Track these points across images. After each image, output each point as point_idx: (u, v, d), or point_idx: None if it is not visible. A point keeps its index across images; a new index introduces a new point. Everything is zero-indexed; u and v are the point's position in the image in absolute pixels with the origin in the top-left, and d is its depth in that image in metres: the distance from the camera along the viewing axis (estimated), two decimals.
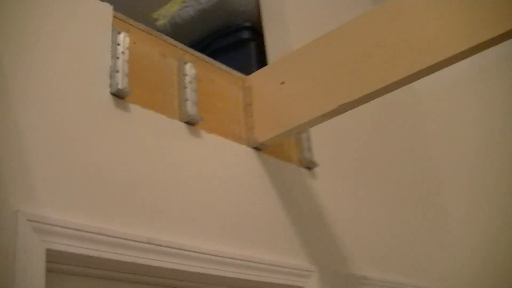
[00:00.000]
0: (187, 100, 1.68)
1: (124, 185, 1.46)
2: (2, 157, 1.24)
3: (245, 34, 2.18)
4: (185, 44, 1.90)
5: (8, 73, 1.32)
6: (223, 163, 1.73)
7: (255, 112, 1.85)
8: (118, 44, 1.58)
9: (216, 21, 2.19)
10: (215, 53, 2.14)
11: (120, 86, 1.51)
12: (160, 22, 2.25)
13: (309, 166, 1.99)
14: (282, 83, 1.81)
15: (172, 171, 1.59)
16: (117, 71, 1.53)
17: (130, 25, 1.65)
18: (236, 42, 2.18)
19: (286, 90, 1.80)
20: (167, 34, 2.11)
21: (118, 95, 1.53)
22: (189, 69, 1.73)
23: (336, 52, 1.71)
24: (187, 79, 1.71)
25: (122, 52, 1.57)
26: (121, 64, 1.55)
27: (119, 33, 1.59)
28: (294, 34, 2.08)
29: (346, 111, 1.69)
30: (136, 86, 1.58)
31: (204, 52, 2.01)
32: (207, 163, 1.69)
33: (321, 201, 1.96)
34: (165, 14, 2.24)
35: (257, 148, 1.84)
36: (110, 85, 1.51)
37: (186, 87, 1.70)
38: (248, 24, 2.19)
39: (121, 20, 1.63)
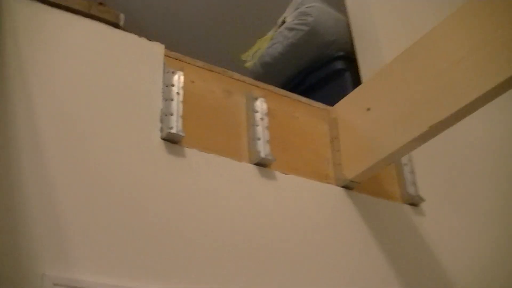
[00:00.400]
0: (258, 139, 1.51)
1: (182, 241, 1.29)
2: (31, 212, 1.15)
3: (339, 65, 1.99)
4: (277, 83, 1.76)
5: (43, 114, 1.24)
6: (306, 208, 1.52)
7: (343, 145, 1.64)
8: (173, 85, 1.45)
9: (307, 55, 2.02)
10: (309, 89, 1.97)
11: (174, 130, 1.37)
12: (249, 64, 2.12)
13: (414, 202, 1.72)
14: (368, 109, 1.59)
15: (243, 221, 1.40)
16: (171, 114, 1.40)
17: (187, 63, 1.53)
18: (330, 74, 2.00)
19: (372, 117, 1.57)
20: (257, 75, 2.00)
21: (171, 140, 1.38)
22: (260, 105, 1.57)
23: (420, 67, 1.47)
24: (258, 116, 1.55)
25: (177, 93, 1.45)
26: (175, 106, 1.42)
27: (173, 72, 1.47)
28: (389, 58, 1.85)
29: (438, 133, 1.43)
30: (194, 129, 1.43)
31: (298, 90, 1.85)
32: (287, 208, 1.48)
33: (431, 242, 1.68)
34: (253, 55, 2.11)
35: (347, 187, 1.61)
36: (161, 130, 1.37)
37: (257, 125, 1.53)
38: (340, 53, 2.00)
39: (175, 59, 1.51)
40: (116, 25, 1.44)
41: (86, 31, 1.40)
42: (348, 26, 2.05)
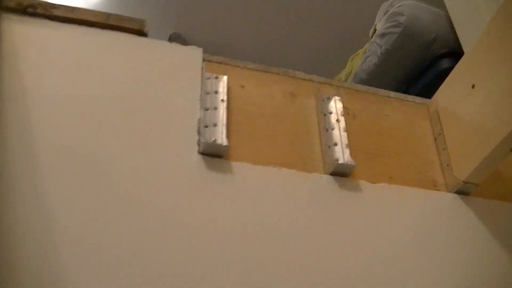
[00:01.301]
0: (335, 144, 1.20)
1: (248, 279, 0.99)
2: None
3: (445, 63, 1.66)
4: None
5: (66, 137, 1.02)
6: (407, 223, 1.15)
7: (450, 141, 1.27)
8: (216, 92, 1.20)
9: (407, 59, 1.71)
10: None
11: (218, 141, 1.11)
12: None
13: None
14: (473, 87, 1.23)
15: (322, 249, 1.07)
16: (214, 125, 1.14)
17: (235, 66, 1.27)
18: (437, 76, 1.66)
19: (478, 95, 1.21)
20: None
21: (211, 153, 1.10)
22: (334, 105, 1.26)
23: None
24: (333, 117, 1.24)
25: (222, 100, 1.19)
26: (218, 115, 1.16)
27: (216, 78, 1.22)
28: None
29: None
30: (248, 140, 1.15)
31: None
32: (381, 227, 1.12)
33: None
34: (347, 77, 1.82)
35: (462, 192, 1.24)
36: (199, 143, 1.11)
37: (332, 128, 1.22)
38: (444, 51, 1.67)
39: (218, 62, 1.25)
40: (140, 33, 1.23)
41: (104, 43, 1.19)
42: (448, 19, 1.72)
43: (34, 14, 1.18)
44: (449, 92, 1.31)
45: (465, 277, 1.13)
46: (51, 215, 0.94)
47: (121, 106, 1.11)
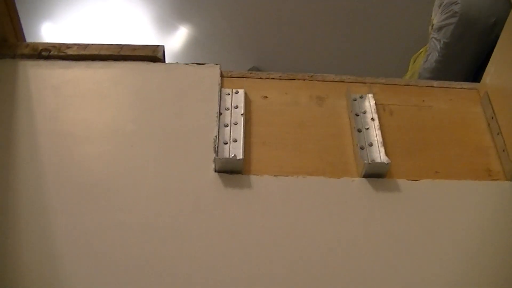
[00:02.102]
0: (370, 145, 1.10)
1: None
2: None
3: None
4: None
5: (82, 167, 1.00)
6: (462, 222, 1.03)
7: (504, 124, 1.13)
8: (236, 107, 1.14)
9: (469, 49, 1.56)
10: None
11: (235, 157, 1.04)
12: None
13: None
14: None
15: (360, 252, 0.96)
16: (234, 141, 1.07)
17: (258, 78, 1.20)
18: None
19: None
20: None
21: (228, 170, 1.03)
22: (368, 103, 1.16)
23: None
24: (367, 117, 1.14)
25: (242, 114, 1.13)
26: (237, 130, 1.10)
27: (236, 92, 1.16)
28: None
29: None
30: (272, 152, 1.07)
31: None
32: (429, 227, 1.00)
33: None
34: (411, 78, 1.69)
35: None
36: (215, 161, 1.05)
37: (367, 127, 1.12)
38: None
39: (237, 77, 1.20)
40: (155, 59, 1.20)
41: (118, 73, 1.17)
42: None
43: (48, 57, 1.18)
44: (496, 70, 1.17)
45: None
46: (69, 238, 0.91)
47: (137, 130, 1.08)
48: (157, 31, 2.79)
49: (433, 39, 1.65)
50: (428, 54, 1.67)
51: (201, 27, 2.77)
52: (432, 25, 1.69)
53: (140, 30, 2.75)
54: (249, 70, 2.54)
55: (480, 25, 1.55)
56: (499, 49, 1.16)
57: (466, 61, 1.61)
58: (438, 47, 1.63)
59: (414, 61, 1.76)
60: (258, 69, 2.60)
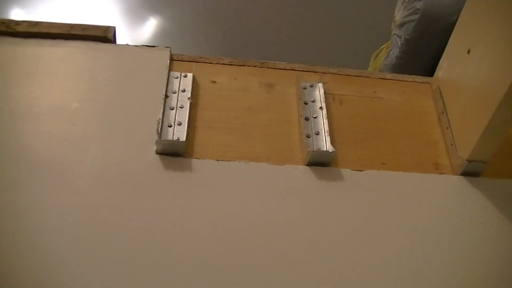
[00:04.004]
0: (316, 133, 1.08)
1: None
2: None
3: None
4: None
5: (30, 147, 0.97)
6: (404, 213, 1.01)
7: (453, 118, 1.12)
8: (183, 91, 1.12)
9: (430, 46, 1.55)
10: None
11: (177, 139, 1.02)
12: None
13: None
14: (468, 51, 1.08)
15: (297, 239, 0.93)
16: (179, 124, 1.05)
17: (207, 62, 1.18)
18: None
19: (474, 61, 1.06)
20: None
21: (169, 153, 1.01)
22: (317, 92, 1.14)
23: None
24: (315, 105, 1.12)
25: (188, 98, 1.10)
26: (182, 114, 1.07)
27: (185, 76, 1.14)
28: None
29: None
30: (215, 136, 1.06)
31: None
32: (370, 217, 0.98)
33: None
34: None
35: (469, 173, 1.07)
36: (157, 143, 1.02)
37: (314, 116, 1.10)
38: None
39: (188, 61, 1.17)
40: (105, 39, 1.18)
41: (67, 52, 1.15)
42: None
43: None
44: (448, 64, 1.16)
45: (480, 266, 0.96)
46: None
47: (81, 109, 1.06)
48: (126, 21, 2.76)
49: (395, 36, 1.64)
50: (390, 50, 1.66)
51: (171, 18, 2.75)
52: (395, 21, 1.69)
53: (110, 20, 2.73)
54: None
55: (441, 23, 1.54)
56: (451, 43, 1.15)
57: (426, 58, 1.60)
58: (399, 43, 1.62)
59: (376, 57, 1.75)
60: None
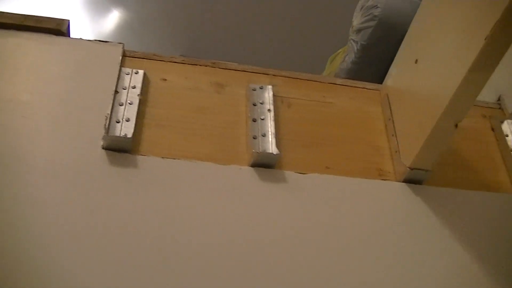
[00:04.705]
0: (263, 135, 1.08)
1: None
2: None
3: None
4: None
5: None
6: (344, 217, 1.02)
7: (399, 126, 1.14)
8: (134, 87, 1.12)
9: (386, 53, 1.56)
10: None
11: (124, 135, 1.02)
12: None
13: None
14: (416, 61, 1.10)
15: (236, 240, 0.95)
16: (127, 120, 1.06)
17: (160, 60, 1.18)
18: None
19: (420, 69, 1.08)
20: None
21: (115, 148, 1.01)
22: (266, 94, 1.15)
23: None
24: (264, 107, 1.13)
25: (138, 95, 1.11)
26: (135, 110, 1.08)
27: (136, 73, 1.14)
28: None
29: (500, 46, 0.91)
30: (163, 134, 1.06)
31: None
32: (311, 219, 1.00)
33: None
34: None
35: (413, 181, 1.09)
36: (104, 138, 1.01)
37: (262, 118, 1.11)
38: None
39: (141, 58, 1.17)
40: (59, 32, 1.17)
41: (19, 43, 1.14)
42: None
43: None
44: (396, 73, 1.18)
45: (419, 272, 0.98)
46: None
47: (31, 101, 1.05)
48: (89, 12, 2.75)
49: (351, 41, 1.66)
50: (346, 55, 1.68)
51: (134, 11, 2.74)
52: (352, 26, 1.70)
53: (72, 11, 2.71)
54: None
55: (398, 31, 1.56)
56: (401, 52, 1.17)
57: (382, 64, 1.61)
58: (355, 48, 1.63)
59: (332, 61, 1.77)
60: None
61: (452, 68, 0.96)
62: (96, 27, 2.68)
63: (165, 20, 2.76)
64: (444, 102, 0.97)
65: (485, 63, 0.92)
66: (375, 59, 1.62)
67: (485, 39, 0.88)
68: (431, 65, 1.05)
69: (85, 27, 2.63)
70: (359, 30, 1.64)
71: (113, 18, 2.76)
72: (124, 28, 2.71)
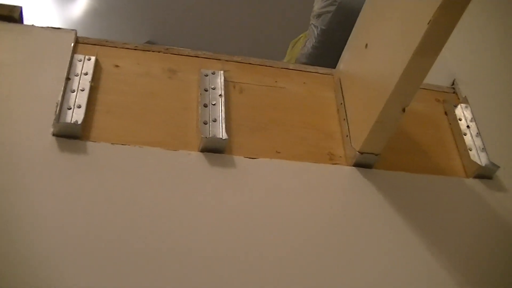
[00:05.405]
0: (214, 120, 1.09)
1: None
2: None
3: None
4: None
5: None
6: (295, 201, 1.03)
7: (350, 110, 1.15)
8: (86, 74, 1.12)
9: (345, 37, 1.56)
10: None
11: (75, 122, 1.02)
12: None
13: (485, 174, 1.14)
14: (366, 46, 1.11)
15: (185, 224, 0.95)
16: (79, 107, 1.05)
17: (112, 47, 1.18)
18: None
19: (370, 55, 1.09)
20: None
21: (66, 135, 1.01)
22: (219, 80, 1.16)
23: None
24: (216, 93, 1.14)
25: (90, 82, 1.10)
26: (82, 97, 1.08)
27: (89, 59, 1.14)
28: None
29: (443, 31, 0.92)
30: (111, 119, 1.06)
31: None
32: (261, 203, 1.01)
33: None
34: (289, 62, 1.70)
35: (363, 165, 1.11)
36: (54, 125, 1.01)
37: (213, 103, 1.11)
38: None
39: (93, 44, 1.17)
40: (11, 19, 1.17)
41: None
42: None
43: None
44: (348, 57, 1.19)
45: (366, 254, 0.99)
46: None
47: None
48: None
49: (312, 25, 1.67)
50: (306, 40, 1.69)
51: None
52: (313, 11, 1.71)
53: None
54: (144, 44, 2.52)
55: (357, 15, 1.55)
56: (352, 37, 1.17)
57: (342, 49, 1.61)
58: (316, 33, 1.64)
59: (293, 46, 1.77)
60: (153, 44, 2.57)
61: (398, 53, 0.97)
62: (63, 13, 2.67)
63: (133, 6, 2.75)
64: (391, 87, 0.98)
65: (429, 47, 0.93)
66: (335, 44, 1.62)
67: (428, 23, 0.88)
68: (379, 50, 1.06)
69: (52, 14, 2.62)
70: (319, 15, 1.64)
71: (81, 5, 2.75)
72: (92, 14, 2.70)
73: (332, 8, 1.60)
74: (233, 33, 2.70)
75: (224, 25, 2.72)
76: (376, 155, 1.08)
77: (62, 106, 1.04)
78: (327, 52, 1.64)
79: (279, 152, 1.09)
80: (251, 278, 0.91)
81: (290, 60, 1.75)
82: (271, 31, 2.63)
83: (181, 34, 2.68)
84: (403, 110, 1.01)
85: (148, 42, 2.60)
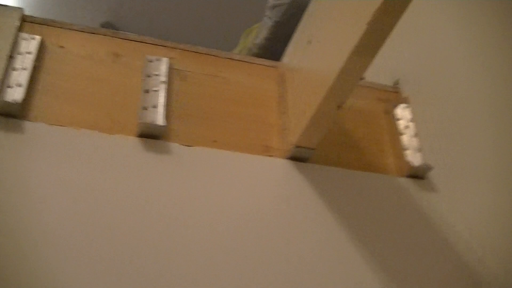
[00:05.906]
0: (154, 106, 1.10)
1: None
2: None
3: None
4: None
5: None
6: (228, 191, 1.05)
7: (291, 104, 1.17)
8: (29, 53, 1.12)
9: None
10: None
11: (13, 100, 1.03)
12: None
13: (418, 174, 1.17)
14: (309, 42, 1.13)
15: (119, 209, 0.97)
16: (19, 85, 1.05)
17: (60, 27, 1.19)
18: None
19: (312, 50, 1.11)
20: None
21: (3, 113, 1.01)
22: (163, 66, 1.17)
23: None
24: (158, 79, 1.14)
25: (33, 61, 1.11)
26: (27, 76, 1.08)
27: (33, 39, 1.14)
28: None
29: (380, 34, 0.93)
30: (49, 100, 1.06)
31: None
32: (194, 192, 1.03)
33: (447, 226, 1.11)
34: (241, 52, 1.72)
35: (298, 159, 1.13)
36: None
37: (155, 89, 1.12)
38: None
39: (39, 24, 1.18)
40: None
41: None
42: None
43: None
44: (292, 51, 1.20)
45: (296, 248, 1.01)
46: None
47: None
48: None
49: (266, 17, 1.68)
50: (259, 31, 1.70)
51: None
52: (268, 2, 1.72)
53: None
54: (101, 24, 2.52)
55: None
56: (297, 32, 1.19)
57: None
58: (269, 25, 1.66)
59: (247, 36, 1.79)
60: (111, 25, 2.56)
61: (337, 51, 0.99)
62: None
63: None
64: (328, 84, 1.00)
65: (367, 47, 0.95)
66: (288, 37, 1.63)
67: (367, 24, 0.90)
68: (320, 47, 1.08)
69: None
70: (274, 7, 1.66)
71: None
72: None
73: (287, 0, 1.62)
74: (191, 18, 2.70)
75: (183, 13, 2.72)
76: (312, 149, 1.11)
77: (3, 84, 1.04)
78: (279, 44, 1.65)
79: (215, 141, 1.10)
80: (176, 266, 0.93)
81: (242, 49, 1.76)
82: (228, 22, 2.64)
83: (137, 15, 2.67)
84: (339, 107, 1.04)
85: (106, 24, 2.58)
